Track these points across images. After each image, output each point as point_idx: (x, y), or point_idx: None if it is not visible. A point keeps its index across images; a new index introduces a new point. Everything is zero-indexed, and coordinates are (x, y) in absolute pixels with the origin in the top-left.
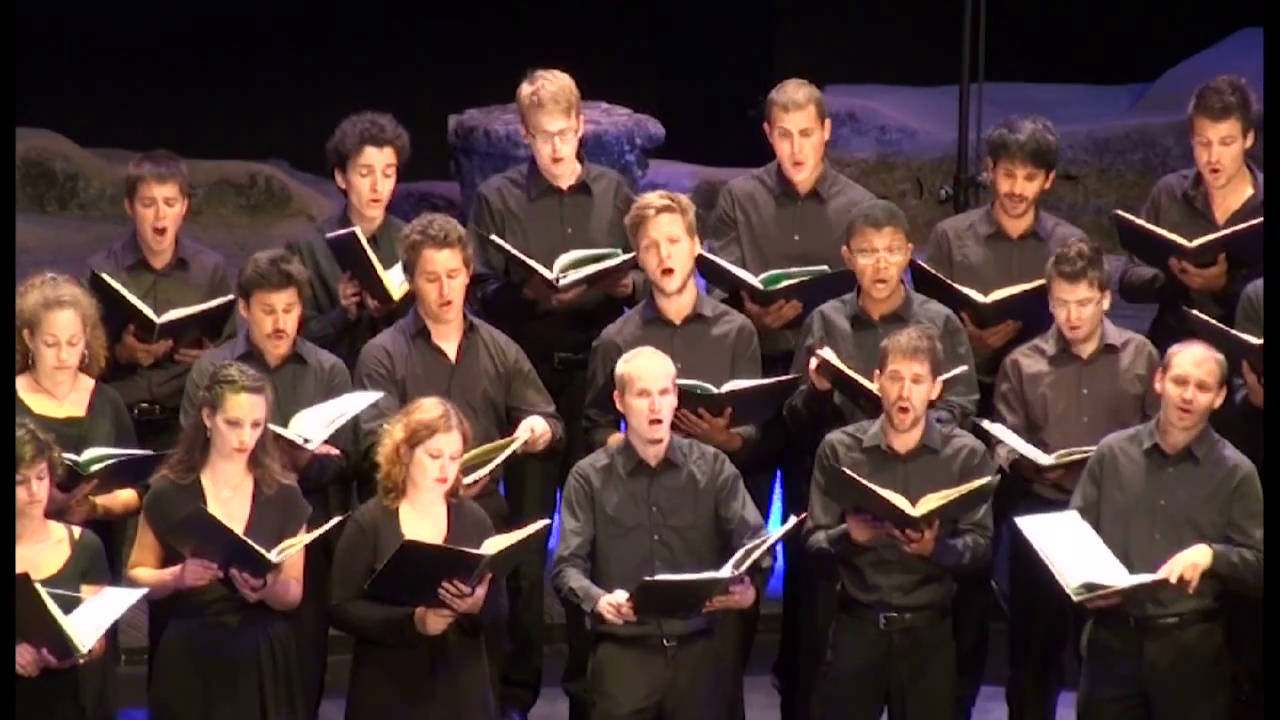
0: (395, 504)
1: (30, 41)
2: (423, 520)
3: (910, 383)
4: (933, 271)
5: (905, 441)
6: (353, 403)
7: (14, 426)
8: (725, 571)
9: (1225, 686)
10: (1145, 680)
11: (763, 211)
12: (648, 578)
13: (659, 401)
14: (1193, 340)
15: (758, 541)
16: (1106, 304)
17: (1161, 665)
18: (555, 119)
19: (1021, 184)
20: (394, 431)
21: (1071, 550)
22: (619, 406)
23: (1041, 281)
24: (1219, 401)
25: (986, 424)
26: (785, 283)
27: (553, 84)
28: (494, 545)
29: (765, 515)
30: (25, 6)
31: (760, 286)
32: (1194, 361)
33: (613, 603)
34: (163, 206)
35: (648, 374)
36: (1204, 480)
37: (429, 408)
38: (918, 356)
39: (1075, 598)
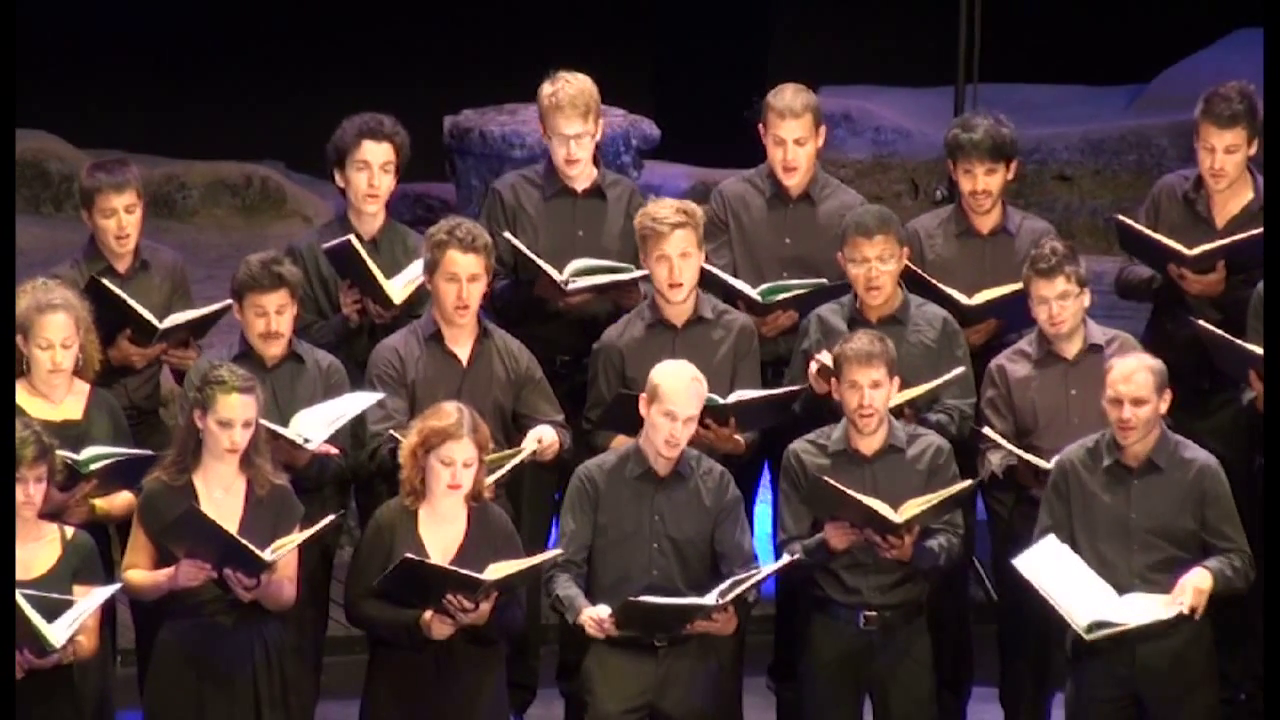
0: (415, 506)
1: (27, 42)
2: (441, 523)
3: (869, 389)
4: (919, 271)
5: (870, 443)
6: (353, 403)
7: (14, 426)
8: (710, 599)
9: (1215, 682)
10: (1137, 681)
11: (754, 214)
12: (631, 598)
13: (679, 430)
14: (1127, 357)
15: (748, 574)
16: (1086, 301)
17: (1154, 665)
18: (572, 122)
19: (983, 180)
20: (411, 435)
21: (1070, 584)
22: (642, 410)
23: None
24: (1164, 407)
25: (987, 429)
26: (783, 295)
27: (572, 87)
28: (497, 571)
29: (751, 502)
30: (22, 7)
31: (758, 299)
32: (1123, 378)
33: (595, 617)
34: (123, 215)
35: (678, 400)
36: (1171, 488)
37: (445, 414)
38: (873, 362)
39: (1087, 636)
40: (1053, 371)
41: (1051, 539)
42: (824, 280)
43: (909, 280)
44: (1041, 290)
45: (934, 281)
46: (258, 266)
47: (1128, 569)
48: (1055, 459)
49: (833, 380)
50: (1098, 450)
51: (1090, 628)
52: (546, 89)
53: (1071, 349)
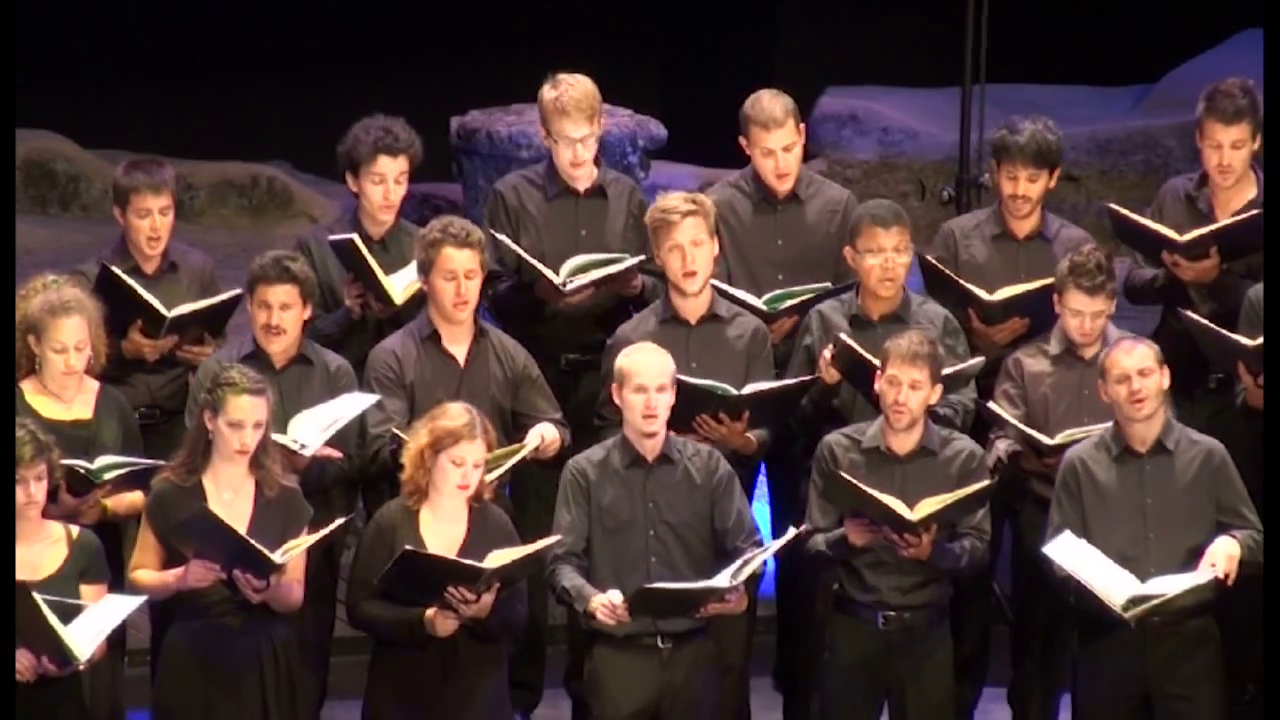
0: (417, 506)
1: (31, 42)
2: (442, 524)
3: (908, 388)
4: (942, 268)
5: (904, 443)
6: (349, 406)
7: (14, 426)
8: (723, 581)
9: (1226, 683)
10: (1147, 679)
11: (743, 219)
12: (647, 585)
13: (655, 398)
14: (1120, 340)
15: (757, 552)
16: (1112, 310)
17: (1163, 662)
18: (579, 125)
19: (1024, 185)
20: (419, 435)
21: (1096, 570)
22: (616, 400)
23: (1048, 280)
24: (1166, 381)
25: (991, 404)
26: (790, 302)
27: (576, 89)
28: (497, 559)
29: (749, 502)
30: (26, 7)
31: (765, 309)
32: (1125, 352)
33: (607, 603)
34: (157, 216)
35: (645, 371)
36: (1182, 469)
37: (455, 415)
38: (917, 363)
39: (1125, 614)
40: (1069, 370)
41: (1068, 534)
42: (828, 284)
43: (932, 276)
44: (1078, 304)
45: (954, 277)
46: (269, 260)
47: (1145, 559)
48: (1064, 456)
49: (877, 372)
50: (1104, 442)
51: (1127, 604)
52: (549, 93)
53: (1090, 350)
